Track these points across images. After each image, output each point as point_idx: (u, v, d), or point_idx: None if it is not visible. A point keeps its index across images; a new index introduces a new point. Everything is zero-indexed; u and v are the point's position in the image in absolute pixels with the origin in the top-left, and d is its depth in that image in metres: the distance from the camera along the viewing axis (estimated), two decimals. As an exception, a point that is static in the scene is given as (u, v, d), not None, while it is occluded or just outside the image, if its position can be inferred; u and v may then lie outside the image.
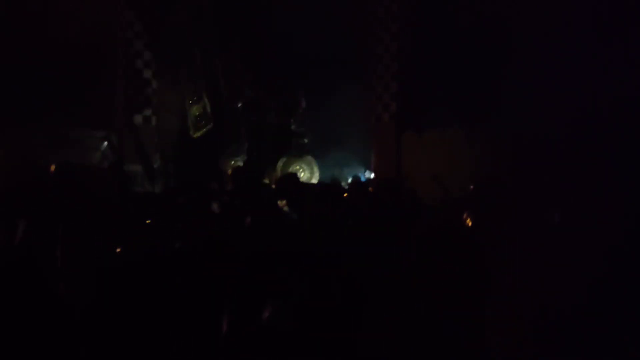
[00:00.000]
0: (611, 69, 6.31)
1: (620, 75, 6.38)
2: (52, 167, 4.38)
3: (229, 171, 9.31)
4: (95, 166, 8.89)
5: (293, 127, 9.93)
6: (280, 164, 9.69)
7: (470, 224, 3.83)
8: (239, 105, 9.93)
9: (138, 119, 9.57)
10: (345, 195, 5.76)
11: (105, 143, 9.14)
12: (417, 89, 9.17)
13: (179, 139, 9.95)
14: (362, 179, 9.32)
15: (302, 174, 9.61)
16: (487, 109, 8.00)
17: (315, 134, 10.00)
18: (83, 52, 8.50)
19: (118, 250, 3.23)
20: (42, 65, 8.21)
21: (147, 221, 4.18)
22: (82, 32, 8.50)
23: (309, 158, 9.81)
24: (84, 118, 8.76)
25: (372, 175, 9.32)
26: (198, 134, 9.63)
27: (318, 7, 9.16)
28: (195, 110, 9.56)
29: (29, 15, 8.13)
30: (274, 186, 9.14)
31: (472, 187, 5.98)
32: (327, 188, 5.82)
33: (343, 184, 9.12)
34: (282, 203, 6.34)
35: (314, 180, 9.63)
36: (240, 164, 9.67)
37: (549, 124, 6.98)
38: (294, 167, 9.66)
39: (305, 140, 9.88)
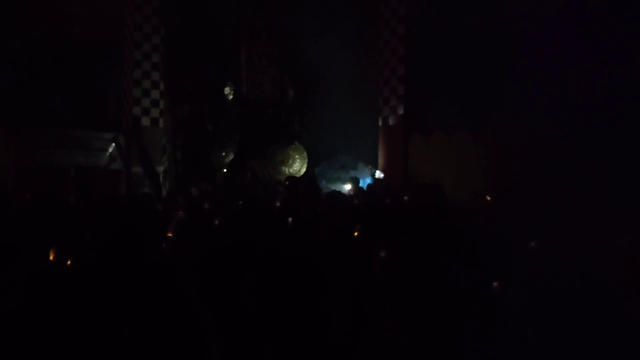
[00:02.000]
0: (620, 69, 6.27)
1: (630, 75, 6.35)
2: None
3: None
4: (103, 168, 8.94)
5: (282, 116, 10.15)
6: (269, 153, 9.97)
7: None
8: (230, 98, 10.05)
9: (145, 120, 9.61)
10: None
11: (113, 145, 9.17)
12: (424, 92, 9.16)
13: (183, 140, 10.02)
14: (369, 181, 9.33)
15: (293, 163, 9.80)
16: (494, 112, 7.97)
17: (322, 138, 10.04)
18: (91, 55, 8.55)
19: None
20: (50, 67, 8.26)
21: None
22: (91, 35, 8.56)
23: (298, 146, 10.05)
24: (92, 120, 8.80)
25: (382, 176, 9.30)
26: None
27: (325, 10, 9.19)
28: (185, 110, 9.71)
29: (39, 17, 8.17)
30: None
31: (488, 197, 5.92)
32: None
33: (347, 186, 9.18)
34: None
35: (304, 169, 9.91)
36: (231, 155, 9.83)
37: (556, 126, 6.96)
38: (283, 156, 9.95)
39: (293, 127, 10.04)
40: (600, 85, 6.33)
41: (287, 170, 9.97)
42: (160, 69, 9.59)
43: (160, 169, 9.64)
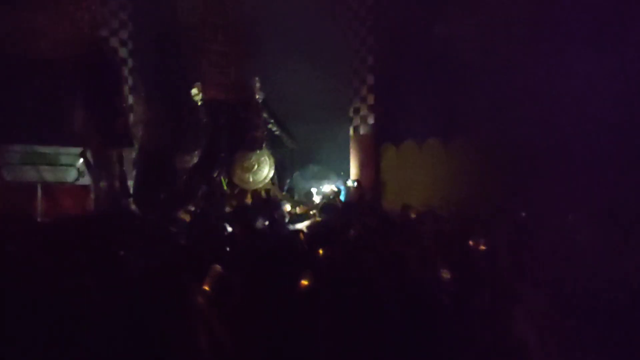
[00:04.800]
0: (588, 76, 6.44)
1: (598, 81, 6.52)
2: None
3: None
4: (72, 184, 8.78)
5: (251, 120, 9.82)
6: (234, 158, 9.69)
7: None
8: (198, 100, 9.84)
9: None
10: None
11: (81, 160, 9.00)
12: (394, 101, 9.27)
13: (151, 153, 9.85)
14: (342, 189, 9.40)
15: (255, 168, 9.58)
16: (463, 119, 8.11)
17: (293, 148, 10.04)
18: (57, 67, 8.39)
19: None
20: (16, 82, 8.07)
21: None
22: (54, 47, 8.38)
23: (264, 152, 9.73)
24: (58, 135, 8.63)
25: (355, 184, 9.31)
26: None
27: (293, 16, 9.21)
28: None
29: (4, 32, 7.99)
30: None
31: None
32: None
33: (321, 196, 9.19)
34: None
35: (270, 175, 9.64)
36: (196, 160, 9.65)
37: (524, 132, 7.12)
38: (248, 162, 9.62)
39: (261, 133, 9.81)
40: (569, 92, 6.49)
41: (251, 177, 9.63)
42: (129, 81, 9.44)
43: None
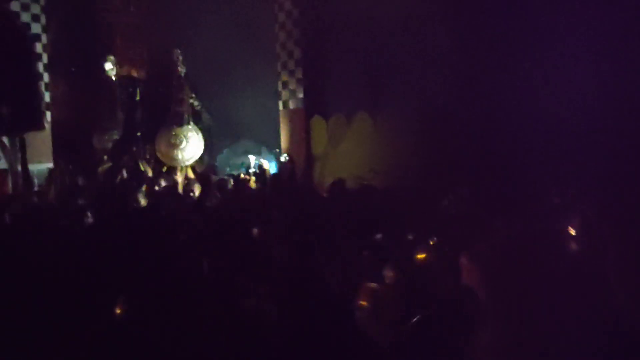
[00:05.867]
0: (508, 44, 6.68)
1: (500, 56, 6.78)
2: None
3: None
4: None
5: (173, 94, 9.48)
6: (158, 135, 9.41)
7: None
8: (112, 75, 9.45)
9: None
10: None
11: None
12: (322, 75, 9.29)
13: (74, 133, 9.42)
14: (274, 164, 9.39)
15: (183, 144, 9.30)
16: (390, 92, 8.24)
17: (224, 123, 9.88)
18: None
19: None
20: None
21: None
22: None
23: (192, 127, 9.45)
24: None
25: (287, 158, 9.26)
26: None
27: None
28: None
29: None
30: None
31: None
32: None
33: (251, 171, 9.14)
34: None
35: (199, 152, 9.43)
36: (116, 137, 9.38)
37: (447, 103, 7.35)
38: (174, 138, 9.31)
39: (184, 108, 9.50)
40: (495, 62, 6.69)
41: (180, 154, 9.27)
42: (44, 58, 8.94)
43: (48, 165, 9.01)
